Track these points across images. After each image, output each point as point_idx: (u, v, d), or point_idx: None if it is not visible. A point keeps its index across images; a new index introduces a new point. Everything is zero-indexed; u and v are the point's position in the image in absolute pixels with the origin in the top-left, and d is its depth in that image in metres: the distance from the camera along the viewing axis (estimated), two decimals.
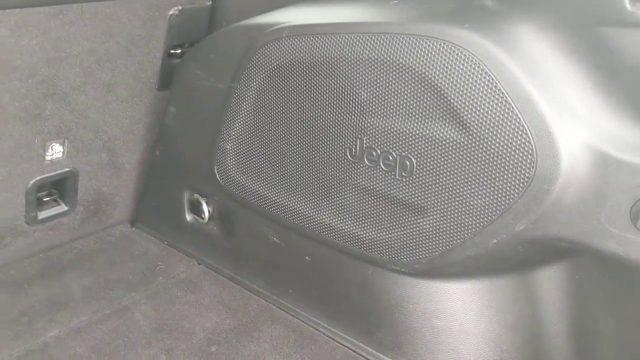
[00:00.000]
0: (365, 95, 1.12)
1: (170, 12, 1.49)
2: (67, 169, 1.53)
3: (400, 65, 1.06)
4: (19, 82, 1.30)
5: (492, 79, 0.96)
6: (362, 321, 1.27)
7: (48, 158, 1.48)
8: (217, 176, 1.44)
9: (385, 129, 1.11)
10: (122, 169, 1.67)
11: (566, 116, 0.93)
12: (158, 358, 1.24)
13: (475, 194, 1.02)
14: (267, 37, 1.24)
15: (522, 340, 1.19)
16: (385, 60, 1.08)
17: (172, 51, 1.58)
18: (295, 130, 1.25)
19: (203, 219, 1.56)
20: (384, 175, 1.13)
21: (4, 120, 1.33)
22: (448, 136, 1.03)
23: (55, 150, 1.48)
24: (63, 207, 1.61)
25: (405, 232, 1.12)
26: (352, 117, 1.15)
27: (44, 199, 1.58)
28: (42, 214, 1.56)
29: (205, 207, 1.55)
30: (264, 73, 1.27)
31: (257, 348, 1.28)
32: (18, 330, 1.31)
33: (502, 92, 0.96)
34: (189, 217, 1.61)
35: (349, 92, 1.14)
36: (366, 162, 1.15)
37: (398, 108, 1.08)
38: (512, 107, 0.95)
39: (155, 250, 1.66)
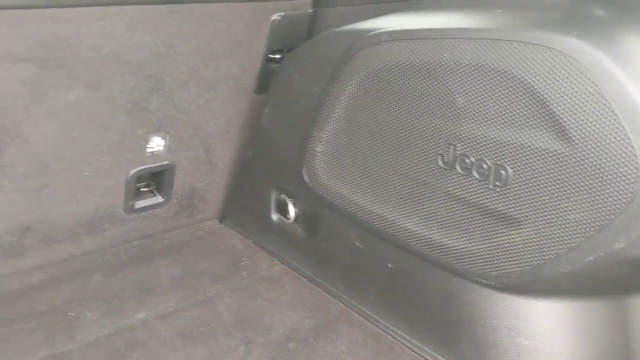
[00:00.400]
0: (462, 102, 1.11)
1: (273, 18, 1.54)
2: (165, 162, 1.61)
3: (501, 71, 1.04)
4: (129, 75, 1.38)
5: (599, 89, 0.93)
6: (442, 333, 1.24)
7: (149, 150, 1.56)
8: (305, 178, 1.47)
9: (481, 136, 1.08)
10: (215, 167, 1.74)
11: None
12: (237, 349, 1.27)
13: (573, 207, 0.98)
14: (366, 42, 1.26)
15: None
16: (485, 66, 1.06)
17: (271, 55, 1.63)
18: (387, 134, 1.25)
19: (288, 219, 1.59)
20: (476, 184, 1.11)
21: (113, 111, 1.42)
22: (548, 146, 0.99)
23: (157, 143, 1.57)
24: (159, 199, 1.69)
25: (495, 244, 1.09)
26: (447, 123, 1.14)
27: (142, 190, 1.66)
28: (139, 204, 1.65)
29: (291, 208, 1.58)
30: (360, 76, 1.28)
31: (334, 349, 1.28)
32: (109, 309, 1.39)
33: (609, 104, 0.92)
34: (274, 216, 1.65)
35: (445, 97, 1.13)
36: (458, 169, 1.13)
37: (496, 115, 1.06)
38: (619, 120, 0.91)
39: (240, 247, 1.70)
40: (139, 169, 1.57)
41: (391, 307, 1.35)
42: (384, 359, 1.26)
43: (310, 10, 1.62)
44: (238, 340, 1.29)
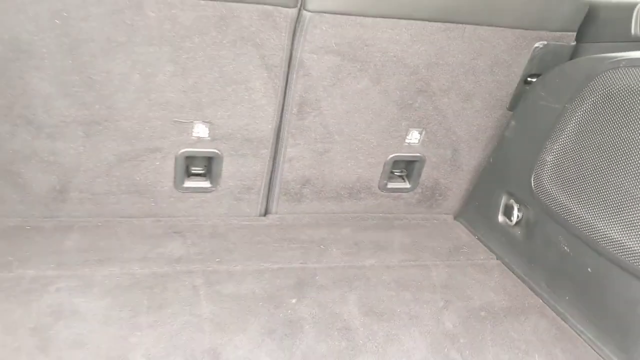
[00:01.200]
0: None
1: (536, 45, 1.77)
2: (418, 154, 1.95)
3: None
4: (404, 76, 1.76)
5: None
6: (623, 337, 1.32)
7: (407, 141, 1.92)
8: (532, 184, 1.66)
9: None
10: (459, 168, 2.02)
11: None
12: (437, 302, 1.53)
13: None
14: (606, 66, 1.42)
15: None
16: None
17: (529, 78, 1.85)
18: (612, 149, 1.39)
19: (512, 222, 1.79)
20: None
21: (386, 102, 1.81)
22: None
23: (414, 137, 1.92)
24: (407, 185, 2.03)
25: None
26: None
27: (395, 173, 2.02)
28: (391, 185, 2.01)
29: (515, 212, 1.78)
30: (597, 96, 1.45)
31: (519, 327, 1.45)
32: (349, 252, 1.77)
33: None
34: (500, 218, 1.86)
35: None
36: None
37: None
38: None
39: (465, 239, 1.95)
40: (396, 154, 1.93)
41: (583, 309, 1.46)
42: (564, 346, 1.39)
43: (573, 43, 1.80)
44: (439, 297, 1.55)
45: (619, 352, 1.32)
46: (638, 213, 1.29)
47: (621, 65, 1.39)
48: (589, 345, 1.40)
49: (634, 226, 1.29)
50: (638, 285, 1.29)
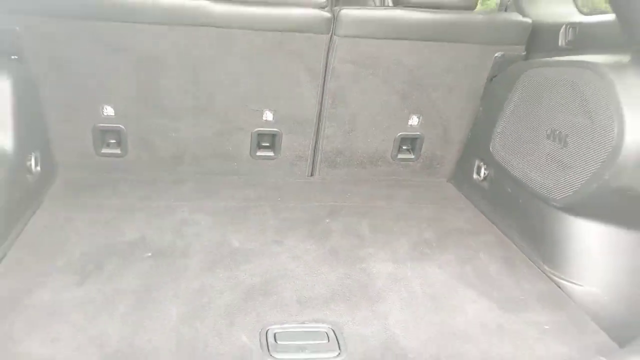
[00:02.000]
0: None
1: (496, 54, 2.55)
2: (417, 133, 2.75)
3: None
4: (403, 77, 2.56)
5: None
6: (544, 243, 2.08)
7: (409, 123, 2.72)
8: (491, 150, 2.44)
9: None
10: (449, 143, 2.80)
11: None
12: (421, 226, 2.33)
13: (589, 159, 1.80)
14: (528, 67, 2.21)
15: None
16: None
17: (493, 78, 2.62)
18: (532, 122, 2.17)
19: (481, 177, 2.57)
20: (554, 146, 1.97)
21: (392, 95, 2.61)
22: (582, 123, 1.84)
23: (414, 120, 2.71)
24: (411, 156, 2.83)
25: (558, 179, 1.93)
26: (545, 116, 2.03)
27: (403, 148, 2.82)
28: (400, 156, 2.81)
29: (483, 171, 2.56)
30: (523, 87, 2.23)
31: (475, 239, 2.24)
32: (360, 202, 2.59)
33: None
34: (475, 176, 2.63)
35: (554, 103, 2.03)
36: (553, 140, 2.00)
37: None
38: None
39: (452, 194, 2.74)
40: (402, 133, 2.74)
41: (518, 228, 2.22)
42: (502, 250, 2.17)
43: (523, 53, 2.57)
44: (424, 224, 2.35)
45: (539, 252, 2.08)
46: (541, 160, 2.06)
47: (534, 66, 2.17)
48: (520, 250, 2.17)
49: (535, 165, 2.07)
50: (544, 205, 2.05)
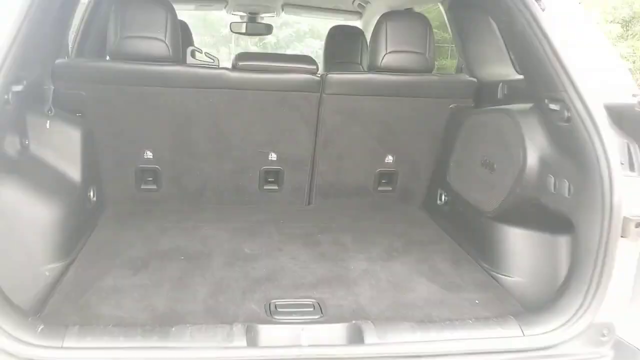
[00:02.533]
0: None
1: (450, 106, 3.23)
2: (393, 169, 3.41)
3: None
4: (379, 124, 3.25)
5: None
6: (485, 248, 2.70)
7: (386, 161, 3.38)
8: (448, 180, 3.09)
9: None
10: (419, 176, 3.45)
11: None
12: (392, 239, 2.95)
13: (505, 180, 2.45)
14: (472, 113, 2.90)
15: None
16: None
17: (448, 124, 3.30)
18: (472, 158, 2.83)
19: (442, 202, 3.21)
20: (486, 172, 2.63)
21: (371, 139, 3.29)
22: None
23: (389, 159, 3.38)
24: (390, 188, 3.48)
25: (489, 195, 2.58)
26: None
27: (383, 182, 3.47)
28: (381, 188, 3.46)
29: (443, 197, 3.21)
30: (465, 130, 2.91)
31: (432, 247, 2.87)
32: (352, 220, 3.23)
33: None
34: (438, 202, 3.28)
35: None
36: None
37: None
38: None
39: (421, 217, 3.38)
40: (380, 169, 3.40)
41: (466, 236, 2.85)
42: (450, 254, 2.79)
43: (472, 105, 3.26)
44: (395, 237, 2.98)
45: (479, 253, 2.69)
46: (479, 183, 2.71)
47: (476, 114, 2.86)
48: (467, 253, 2.78)
49: (478, 189, 2.71)
50: (482, 217, 2.67)
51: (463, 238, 2.89)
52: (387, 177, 3.47)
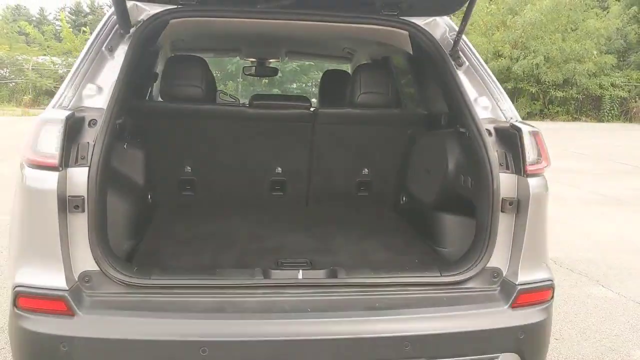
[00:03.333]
0: None
1: (408, 132, 4.39)
2: (368, 179, 4.57)
3: None
4: (357, 147, 4.42)
5: None
6: (432, 232, 3.84)
7: (363, 173, 4.54)
8: (407, 184, 4.25)
9: None
10: (388, 184, 4.60)
11: None
12: (363, 232, 4.09)
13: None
14: (422, 135, 4.07)
15: None
16: None
17: (407, 144, 4.45)
18: (420, 167, 3.99)
19: (403, 202, 4.35)
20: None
21: (353, 158, 4.47)
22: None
23: (365, 171, 4.54)
24: (366, 194, 4.63)
25: (430, 192, 3.72)
26: None
27: (361, 189, 4.63)
28: (359, 194, 4.61)
29: (405, 198, 4.35)
30: (418, 148, 4.08)
31: (391, 232, 4.01)
32: (335, 214, 4.38)
33: None
34: (401, 203, 4.41)
35: None
36: None
37: None
38: None
39: (390, 215, 4.51)
40: (359, 179, 4.56)
41: (413, 224, 3.99)
42: (405, 237, 3.92)
43: (424, 130, 4.42)
44: (366, 228, 4.11)
45: (425, 234, 3.81)
46: (424, 184, 3.87)
47: (425, 135, 4.03)
48: (417, 236, 3.91)
49: (423, 188, 3.86)
50: (426, 207, 3.81)
51: (415, 224, 4.03)
52: (364, 185, 4.63)
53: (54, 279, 2.43)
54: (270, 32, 4.24)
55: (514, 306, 2.74)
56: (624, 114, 35.78)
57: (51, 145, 2.40)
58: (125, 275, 2.58)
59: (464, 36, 3.35)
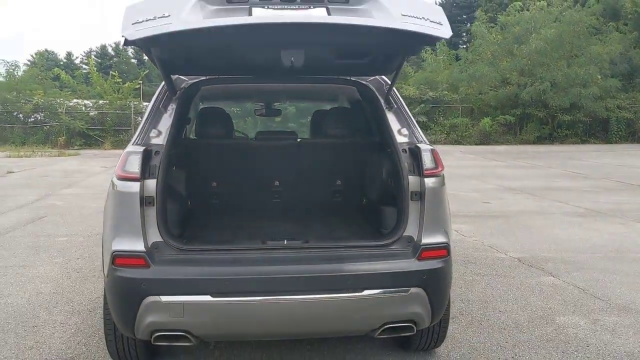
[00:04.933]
0: None
1: (363, 154, 5.93)
2: (340, 188, 6.10)
3: None
4: (331, 164, 5.96)
5: None
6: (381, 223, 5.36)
7: (337, 183, 6.08)
8: (364, 190, 5.80)
9: None
10: (354, 189, 6.03)
11: None
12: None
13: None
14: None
15: None
16: None
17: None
18: None
19: (363, 203, 5.90)
20: None
21: (329, 172, 5.96)
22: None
23: (338, 183, 6.08)
24: (340, 199, 6.19)
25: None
26: None
27: (336, 194, 6.19)
28: (333, 199, 6.17)
29: (364, 199, 5.89)
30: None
31: (354, 223, 5.56)
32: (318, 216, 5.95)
33: None
34: (362, 203, 5.95)
35: None
36: None
37: None
38: None
39: (356, 210, 6.06)
40: (334, 188, 6.02)
41: (363, 215, 5.51)
42: (365, 227, 5.45)
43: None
44: (333, 217, 5.66)
45: (375, 222, 5.23)
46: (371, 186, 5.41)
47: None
48: (370, 224, 5.29)
49: (371, 189, 5.39)
50: (373, 203, 5.29)
51: (369, 217, 5.42)
52: (338, 192, 6.08)
53: (136, 245, 3.75)
54: (273, 88, 6.05)
55: (419, 259, 4.05)
56: (631, 135, 36.73)
57: (135, 166, 3.81)
58: (178, 244, 3.88)
59: (394, 88, 4.96)
